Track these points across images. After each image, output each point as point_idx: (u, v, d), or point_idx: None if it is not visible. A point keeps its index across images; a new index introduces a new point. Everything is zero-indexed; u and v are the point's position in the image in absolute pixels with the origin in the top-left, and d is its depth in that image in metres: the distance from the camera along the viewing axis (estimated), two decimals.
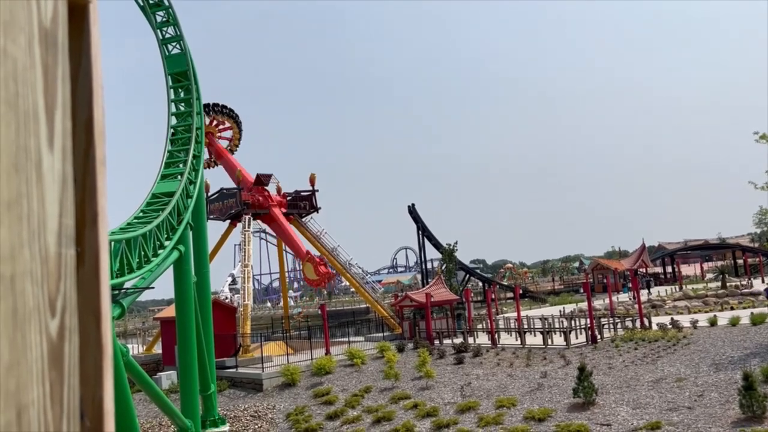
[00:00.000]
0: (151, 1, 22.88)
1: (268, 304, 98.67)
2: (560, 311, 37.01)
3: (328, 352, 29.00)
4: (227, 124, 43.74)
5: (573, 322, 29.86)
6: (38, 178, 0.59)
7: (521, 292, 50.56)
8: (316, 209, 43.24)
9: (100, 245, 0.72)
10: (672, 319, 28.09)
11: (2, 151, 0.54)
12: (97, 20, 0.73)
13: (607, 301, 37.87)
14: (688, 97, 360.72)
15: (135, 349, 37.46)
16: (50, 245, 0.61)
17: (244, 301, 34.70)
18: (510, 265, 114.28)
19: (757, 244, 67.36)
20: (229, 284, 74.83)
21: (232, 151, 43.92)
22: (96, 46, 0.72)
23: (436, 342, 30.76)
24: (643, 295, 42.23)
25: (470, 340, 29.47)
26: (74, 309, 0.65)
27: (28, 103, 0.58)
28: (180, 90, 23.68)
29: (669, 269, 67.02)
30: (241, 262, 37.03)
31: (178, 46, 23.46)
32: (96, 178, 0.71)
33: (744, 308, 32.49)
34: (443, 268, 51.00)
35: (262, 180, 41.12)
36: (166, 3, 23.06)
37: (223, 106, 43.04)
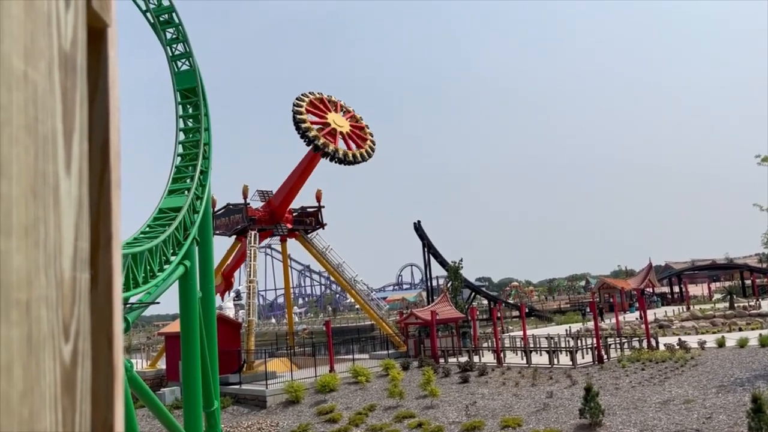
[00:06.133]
0: (161, 18, 23.13)
1: (273, 320, 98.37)
2: (566, 330, 36.77)
3: (332, 369, 28.84)
4: None
5: (579, 341, 29.65)
6: (55, 203, 0.59)
7: (527, 310, 50.27)
8: (322, 225, 43.21)
9: (113, 268, 0.72)
10: (679, 339, 27.86)
11: (21, 176, 0.53)
12: (115, 43, 0.73)
13: (613, 320, 37.60)
14: (695, 115, 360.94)
15: (139, 364, 37.39)
16: (65, 270, 0.60)
17: (249, 316, 34.59)
18: (516, 283, 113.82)
19: (765, 265, 66.84)
20: (234, 300, 74.62)
21: None
22: (114, 68, 0.72)
23: (441, 360, 30.58)
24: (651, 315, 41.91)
25: (475, 358, 29.28)
26: (87, 333, 0.64)
27: (47, 128, 0.58)
28: (188, 106, 23.84)
29: (676, 289, 66.52)
30: (247, 278, 36.93)
31: (187, 62, 23.65)
32: (111, 201, 0.71)
33: (752, 329, 32.22)
34: (449, 285, 50.76)
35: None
36: (176, 20, 23.31)
37: None
